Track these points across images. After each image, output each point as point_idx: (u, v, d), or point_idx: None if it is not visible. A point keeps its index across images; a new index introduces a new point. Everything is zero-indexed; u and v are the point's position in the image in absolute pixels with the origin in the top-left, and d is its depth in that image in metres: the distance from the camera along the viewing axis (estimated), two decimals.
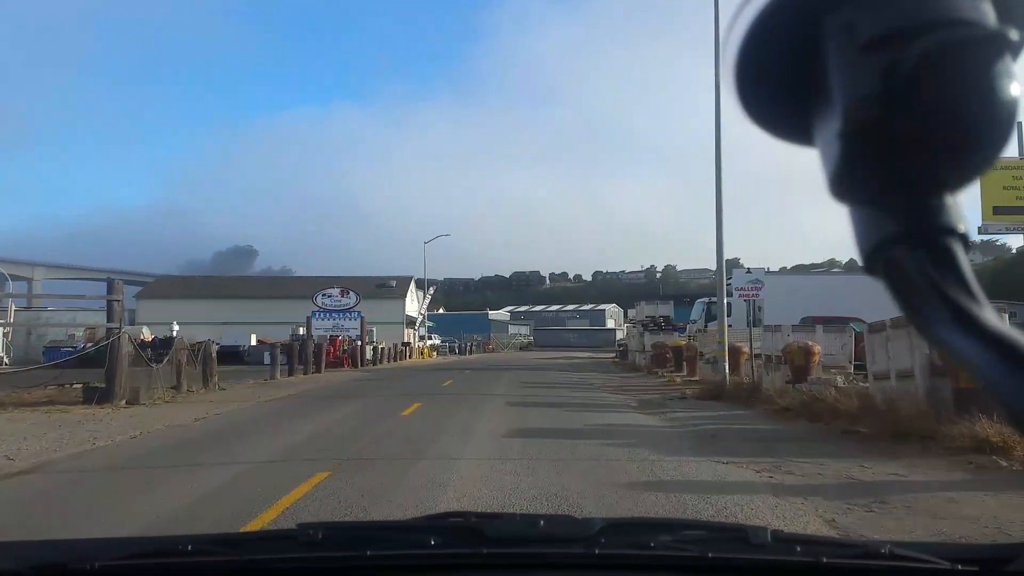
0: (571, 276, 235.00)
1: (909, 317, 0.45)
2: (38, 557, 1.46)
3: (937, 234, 0.44)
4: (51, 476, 7.49)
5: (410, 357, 49.53)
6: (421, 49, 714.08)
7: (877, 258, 0.45)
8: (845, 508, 5.79)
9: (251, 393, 18.14)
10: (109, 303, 16.57)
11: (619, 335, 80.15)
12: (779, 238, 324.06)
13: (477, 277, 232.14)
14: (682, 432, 10.52)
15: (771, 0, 0.45)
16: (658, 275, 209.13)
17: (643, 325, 34.04)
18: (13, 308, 35.73)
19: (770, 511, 5.71)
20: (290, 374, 26.35)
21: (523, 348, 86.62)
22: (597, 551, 1.46)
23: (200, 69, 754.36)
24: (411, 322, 58.66)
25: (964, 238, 0.45)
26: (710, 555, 1.43)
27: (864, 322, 21.36)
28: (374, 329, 43.88)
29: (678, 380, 22.32)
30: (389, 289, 60.24)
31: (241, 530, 4.77)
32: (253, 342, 42.83)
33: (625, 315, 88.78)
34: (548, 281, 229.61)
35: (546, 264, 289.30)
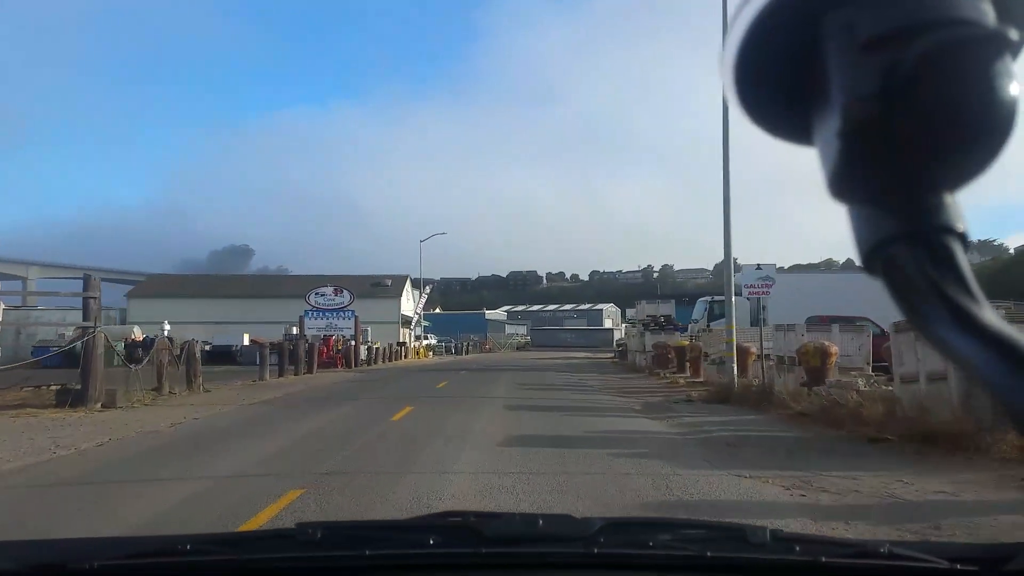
0: (568, 276, 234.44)
1: (908, 316, 0.45)
2: (38, 557, 1.47)
3: (936, 233, 0.44)
4: None
5: (405, 357, 48.60)
6: (420, 48, 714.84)
7: (876, 257, 0.45)
8: (896, 535, 4.98)
9: (236, 396, 17.30)
10: (85, 301, 15.69)
11: (617, 335, 79.45)
12: (776, 238, 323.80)
13: (474, 276, 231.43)
14: (694, 440, 9.71)
15: (771, 0, 0.44)
16: (655, 275, 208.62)
17: (643, 325, 33.17)
18: (2, 307, 34.94)
19: None
20: (280, 375, 25.48)
21: (520, 348, 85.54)
22: (596, 550, 1.46)
23: (199, 69, 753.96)
24: (407, 322, 57.78)
25: (963, 237, 0.44)
26: (709, 554, 1.43)
27: (872, 321, 20.71)
28: (369, 329, 43.04)
29: (681, 382, 21.52)
30: (384, 288, 59.42)
31: None
32: (246, 342, 41.89)
33: (623, 315, 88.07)
34: (545, 281, 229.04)
35: (543, 264, 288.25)
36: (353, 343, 37.19)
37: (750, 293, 15.76)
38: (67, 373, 15.78)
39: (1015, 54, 0.43)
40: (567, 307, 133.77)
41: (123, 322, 53.16)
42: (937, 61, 0.41)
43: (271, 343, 27.55)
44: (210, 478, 7.04)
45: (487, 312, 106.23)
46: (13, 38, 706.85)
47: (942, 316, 0.43)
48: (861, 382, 11.46)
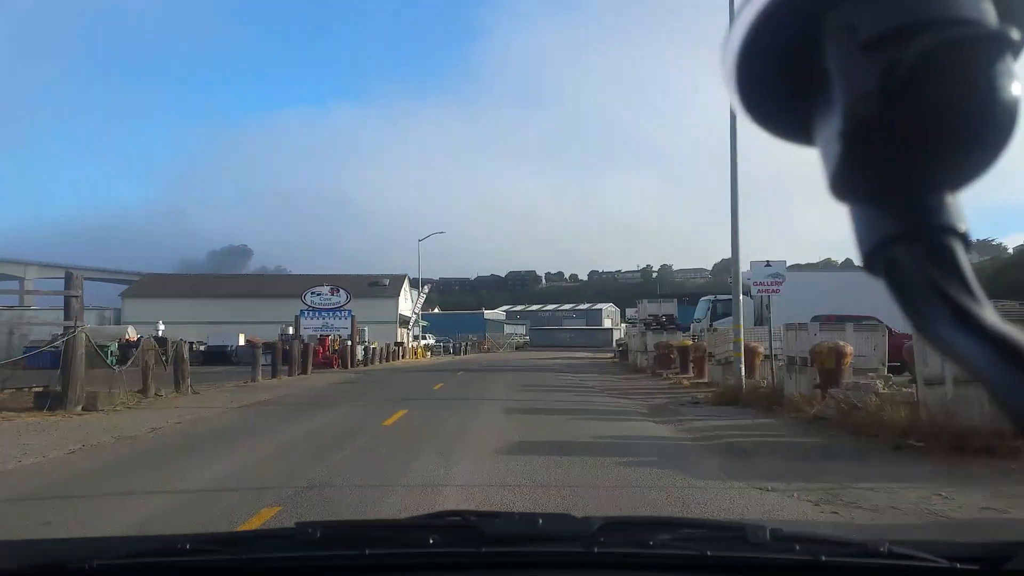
0: (567, 275, 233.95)
1: (909, 316, 0.44)
2: (38, 556, 1.47)
3: (937, 233, 0.44)
4: None
5: (403, 357, 47.92)
6: (418, 48, 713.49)
7: (877, 257, 0.45)
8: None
9: (224, 398, 16.66)
10: (67, 299, 15.09)
11: (616, 335, 78.78)
12: (774, 238, 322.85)
13: (473, 276, 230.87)
14: (706, 446, 9.08)
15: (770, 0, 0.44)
16: (654, 274, 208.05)
17: (645, 324, 32.50)
18: None
19: None
20: (273, 376, 24.81)
21: (519, 348, 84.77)
22: (596, 549, 1.45)
23: (198, 68, 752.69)
24: (405, 321, 57.11)
25: (964, 237, 0.44)
26: (709, 553, 1.42)
27: (879, 321, 20.07)
28: (366, 329, 42.35)
29: (685, 383, 20.87)
30: (382, 288, 58.80)
31: None
32: (242, 342, 41.25)
33: (622, 314, 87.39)
34: (544, 280, 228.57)
35: (542, 263, 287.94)
36: (349, 343, 36.54)
37: (759, 290, 15.12)
38: (52, 374, 15.16)
39: (1016, 54, 0.42)
40: (566, 307, 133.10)
41: (118, 322, 52.55)
42: (938, 60, 0.41)
43: (264, 343, 26.89)
44: (178, 492, 6.41)
45: (486, 312, 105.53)
46: (13, 38, 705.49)
47: (943, 316, 0.42)
48: (880, 384, 10.81)
